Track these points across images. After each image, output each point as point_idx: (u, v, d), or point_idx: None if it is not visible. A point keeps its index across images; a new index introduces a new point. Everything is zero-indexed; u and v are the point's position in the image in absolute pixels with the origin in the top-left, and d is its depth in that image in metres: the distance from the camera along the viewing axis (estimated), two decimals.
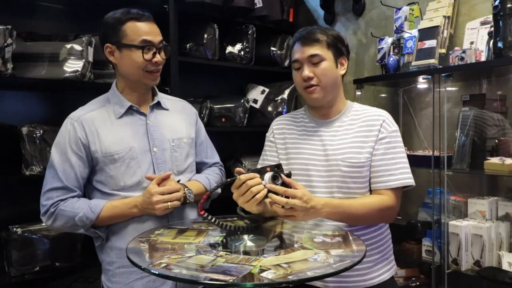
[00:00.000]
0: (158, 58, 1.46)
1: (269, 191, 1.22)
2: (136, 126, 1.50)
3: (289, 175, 1.27)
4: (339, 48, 1.44)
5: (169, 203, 1.38)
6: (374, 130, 1.41)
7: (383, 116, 1.44)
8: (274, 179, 1.24)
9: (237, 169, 1.27)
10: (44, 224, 1.47)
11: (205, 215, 1.27)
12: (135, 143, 1.47)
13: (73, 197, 1.43)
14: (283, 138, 1.52)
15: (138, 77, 1.46)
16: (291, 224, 1.35)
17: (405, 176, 1.39)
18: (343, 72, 1.47)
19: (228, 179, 1.27)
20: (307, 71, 1.40)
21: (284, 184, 1.24)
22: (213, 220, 1.27)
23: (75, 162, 1.42)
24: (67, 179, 1.42)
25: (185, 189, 1.47)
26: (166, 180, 1.42)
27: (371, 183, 1.41)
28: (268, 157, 1.53)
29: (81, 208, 1.39)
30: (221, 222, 1.27)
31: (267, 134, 1.58)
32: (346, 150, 1.39)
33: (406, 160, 1.42)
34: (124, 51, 1.44)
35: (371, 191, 1.42)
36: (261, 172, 1.25)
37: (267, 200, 1.23)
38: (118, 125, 1.48)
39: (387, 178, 1.38)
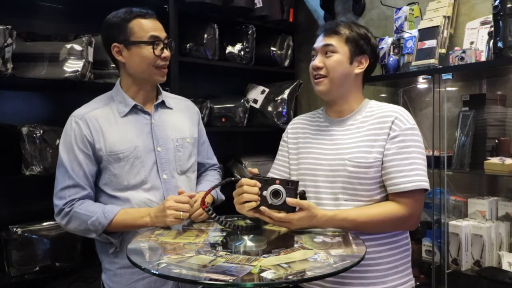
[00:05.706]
0: (166, 53, 1.47)
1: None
2: (140, 125, 1.49)
3: (302, 195, 1.22)
4: (360, 46, 1.38)
5: (181, 212, 1.33)
6: (385, 128, 1.32)
7: (397, 112, 1.34)
8: (275, 195, 1.19)
9: (249, 169, 1.26)
10: (55, 223, 1.44)
11: (207, 209, 1.29)
12: (139, 142, 1.46)
13: (85, 196, 1.42)
14: (295, 138, 1.49)
15: (148, 73, 1.46)
16: None
17: (420, 178, 1.26)
18: (358, 71, 1.39)
19: (232, 178, 1.29)
20: (317, 61, 1.38)
21: (285, 205, 1.19)
22: (213, 215, 1.28)
23: (82, 159, 1.42)
24: (77, 177, 1.41)
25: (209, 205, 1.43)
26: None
27: (386, 186, 1.31)
28: (279, 157, 1.53)
29: (95, 212, 1.38)
30: (221, 219, 1.29)
31: (283, 134, 1.56)
32: (354, 150, 1.32)
33: (423, 161, 1.30)
34: (133, 48, 1.43)
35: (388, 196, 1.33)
36: (269, 182, 1.21)
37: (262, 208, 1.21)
38: (122, 124, 1.47)
39: (400, 180, 1.27)
